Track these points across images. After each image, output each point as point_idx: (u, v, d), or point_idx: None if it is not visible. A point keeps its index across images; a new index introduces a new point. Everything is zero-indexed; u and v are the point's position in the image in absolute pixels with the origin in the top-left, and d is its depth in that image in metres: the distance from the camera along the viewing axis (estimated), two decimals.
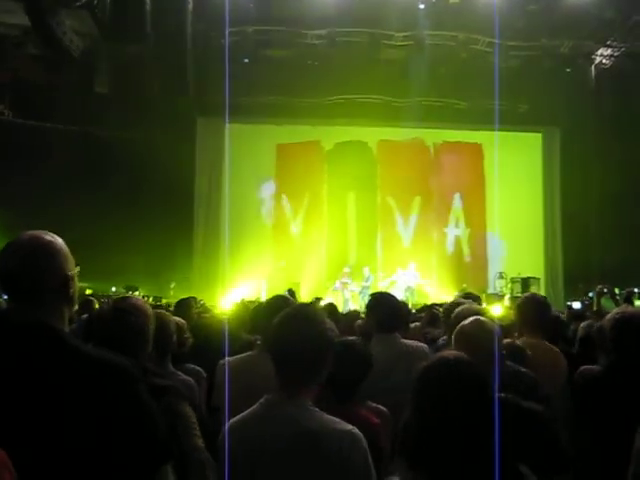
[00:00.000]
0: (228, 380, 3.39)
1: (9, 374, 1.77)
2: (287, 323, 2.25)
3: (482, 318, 2.74)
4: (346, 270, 17.41)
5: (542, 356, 3.78)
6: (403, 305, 4.53)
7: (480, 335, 2.60)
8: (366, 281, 17.11)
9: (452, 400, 1.84)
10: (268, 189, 19.16)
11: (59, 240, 1.96)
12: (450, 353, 2.01)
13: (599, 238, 17.44)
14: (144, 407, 1.85)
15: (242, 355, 3.57)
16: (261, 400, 2.24)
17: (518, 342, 3.79)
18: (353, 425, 2.15)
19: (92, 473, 1.74)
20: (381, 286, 16.58)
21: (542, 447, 2.30)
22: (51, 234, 1.96)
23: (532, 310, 4.10)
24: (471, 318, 2.75)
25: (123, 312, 2.67)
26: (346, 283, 17.03)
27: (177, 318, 4.12)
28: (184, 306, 6.07)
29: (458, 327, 2.70)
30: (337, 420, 2.15)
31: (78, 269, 2.00)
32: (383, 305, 4.31)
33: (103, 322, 2.69)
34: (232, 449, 2.17)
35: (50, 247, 1.91)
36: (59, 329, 1.87)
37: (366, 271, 17.48)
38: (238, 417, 2.26)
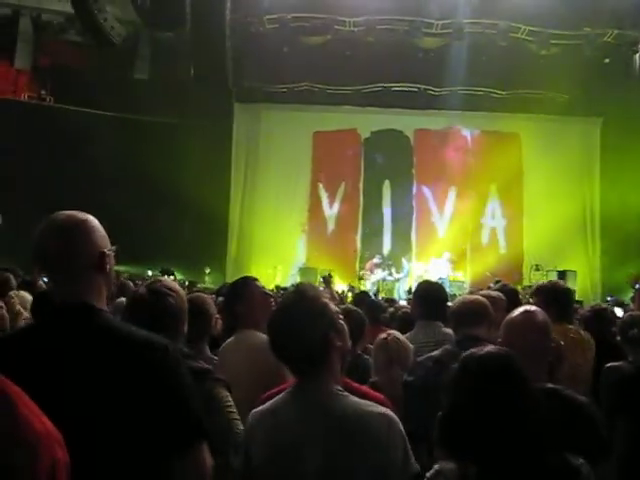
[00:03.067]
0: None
1: (51, 355, 1.81)
2: (277, 319, 2.18)
3: (532, 309, 2.67)
4: (377, 260, 17.33)
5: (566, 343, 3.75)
6: (445, 295, 4.50)
7: (528, 327, 2.54)
8: (402, 271, 17.03)
9: (491, 392, 1.83)
10: (304, 177, 19.15)
11: (94, 219, 1.99)
12: (484, 347, 1.99)
13: (639, 233, 17.11)
14: (182, 385, 1.86)
15: (240, 334, 3.56)
16: (287, 389, 2.19)
17: None
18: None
19: (128, 448, 1.77)
20: (415, 276, 16.52)
21: (586, 435, 2.29)
22: (85, 213, 1.99)
23: (554, 296, 4.05)
24: (521, 309, 2.67)
25: (159, 294, 2.67)
26: (368, 273, 16.94)
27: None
28: None
29: (507, 318, 2.66)
30: (369, 403, 2.11)
31: (115, 248, 2.02)
32: (425, 291, 4.34)
33: (139, 304, 2.68)
34: (262, 442, 2.12)
35: (85, 225, 1.94)
36: (98, 308, 1.91)
37: (404, 262, 17.41)
38: (264, 407, 2.20)
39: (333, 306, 2.22)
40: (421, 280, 4.79)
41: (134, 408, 1.77)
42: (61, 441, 1.38)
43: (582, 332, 4.11)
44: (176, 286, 2.81)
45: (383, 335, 3.66)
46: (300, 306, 2.15)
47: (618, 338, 4.62)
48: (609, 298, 11.38)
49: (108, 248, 1.98)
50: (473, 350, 2.01)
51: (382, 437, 2.01)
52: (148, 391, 1.79)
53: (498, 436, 1.80)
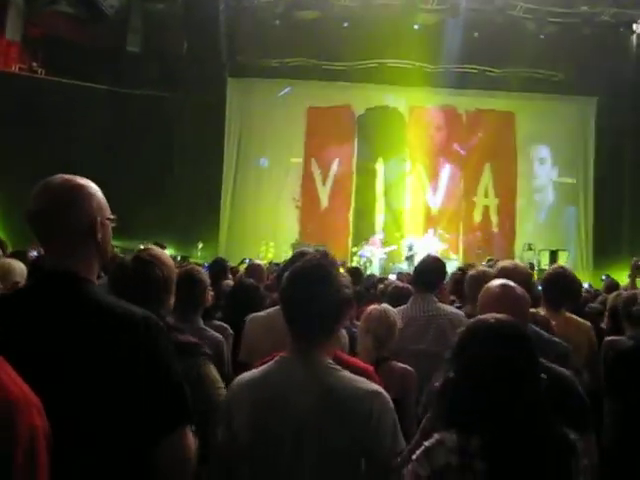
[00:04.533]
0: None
1: (33, 323, 1.77)
2: (298, 279, 2.14)
3: (510, 283, 2.66)
4: (379, 237, 17.30)
5: (565, 329, 3.77)
6: (445, 269, 4.52)
7: (504, 299, 2.54)
8: (410, 250, 16.92)
9: (499, 360, 1.81)
10: (297, 152, 19.06)
11: (93, 185, 1.92)
12: (492, 315, 1.97)
13: (632, 213, 17.17)
14: (164, 362, 1.80)
15: (268, 310, 3.55)
16: (276, 358, 2.15)
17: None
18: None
19: (108, 425, 1.72)
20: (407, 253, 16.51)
21: (569, 407, 2.29)
22: (85, 179, 1.92)
23: (555, 284, 4.07)
24: (498, 281, 2.68)
25: (144, 262, 2.58)
26: (373, 249, 16.89)
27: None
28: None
29: (484, 289, 2.66)
30: (360, 379, 2.09)
31: (114, 218, 1.96)
32: (423, 264, 4.37)
33: (123, 273, 2.58)
34: (246, 406, 2.08)
35: (81, 189, 1.87)
36: (82, 277, 1.85)
37: (410, 241, 17.33)
38: (248, 374, 2.17)
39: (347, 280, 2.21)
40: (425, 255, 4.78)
41: (113, 384, 1.72)
42: (40, 408, 1.36)
43: (579, 318, 4.13)
44: (163, 255, 2.70)
45: (372, 306, 3.67)
46: (324, 272, 2.13)
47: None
48: (604, 277, 11.41)
49: (103, 217, 1.90)
50: (481, 317, 1.98)
51: (371, 415, 1.99)
52: (128, 367, 1.74)
53: (508, 405, 1.79)
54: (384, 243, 17.12)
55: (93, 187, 1.91)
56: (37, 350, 1.72)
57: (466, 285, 3.95)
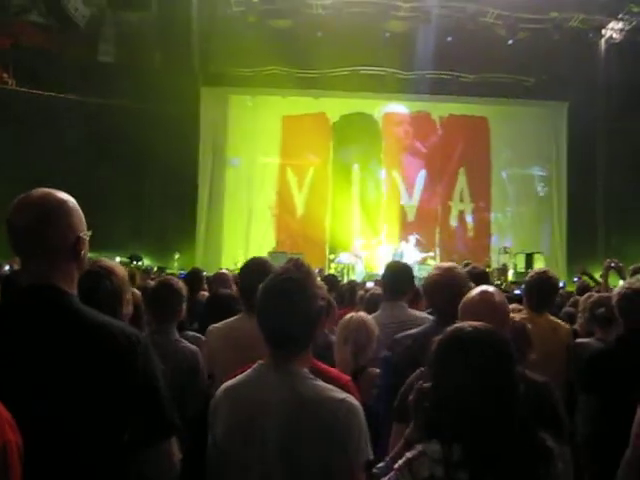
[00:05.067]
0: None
1: (14, 336, 1.76)
2: (272, 291, 2.16)
3: (490, 289, 2.67)
4: (358, 243, 17.30)
5: (547, 332, 3.80)
6: (413, 274, 4.51)
7: (484, 307, 2.53)
8: (400, 257, 16.90)
9: (479, 368, 1.80)
10: (273, 161, 19.05)
11: (72, 200, 1.91)
12: (469, 323, 1.96)
13: (605, 215, 17.40)
14: (149, 376, 1.82)
15: (228, 320, 3.50)
16: (254, 366, 2.19)
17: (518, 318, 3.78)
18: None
19: (93, 439, 1.73)
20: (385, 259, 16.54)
21: (546, 416, 2.31)
22: (64, 193, 1.90)
23: (540, 287, 4.11)
24: (478, 289, 2.67)
25: (94, 275, 2.57)
26: (359, 256, 16.91)
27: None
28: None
29: (465, 298, 2.66)
30: (331, 387, 2.11)
31: (89, 233, 1.95)
32: (390, 271, 4.36)
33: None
34: (224, 415, 2.14)
35: (64, 205, 1.86)
36: (65, 291, 1.84)
37: (412, 241, 17.39)
38: (230, 382, 2.22)
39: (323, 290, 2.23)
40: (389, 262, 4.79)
41: (98, 398, 1.73)
42: (12, 423, 1.34)
43: (559, 321, 4.18)
44: (115, 267, 2.71)
45: (349, 315, 3.66)
46: (297, 283, 2.15)
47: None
48: (576, 279, 11.53)
49: (84, 232, 1.90)
50: (458, 325, 1.97)
51: (338, 424, 2.02)
52: (114, 381, 1.75)
53: (488, 414, 1.78)
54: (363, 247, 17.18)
55: (72, 202, 1.90)
56: (22, 364, 1.72)
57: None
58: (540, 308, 4.03)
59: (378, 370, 3.49)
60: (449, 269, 3.42)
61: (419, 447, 1.85)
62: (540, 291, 4.08)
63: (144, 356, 1.82)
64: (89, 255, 2.01)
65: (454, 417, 1.80)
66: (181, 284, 3.85)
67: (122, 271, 2.73)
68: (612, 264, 5.59)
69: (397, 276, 4.29)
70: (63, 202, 1.86)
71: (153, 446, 1.82)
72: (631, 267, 5.59)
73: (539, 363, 2.85)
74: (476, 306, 2.55)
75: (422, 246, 17.52)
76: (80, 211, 1.91)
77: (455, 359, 1.84)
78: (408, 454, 1.87)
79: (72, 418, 1.71)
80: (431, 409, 1.87)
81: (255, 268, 3.39)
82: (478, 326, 1.92)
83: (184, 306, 3.78)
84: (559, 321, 4.19)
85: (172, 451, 1.87)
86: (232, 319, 3.46)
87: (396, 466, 1.87)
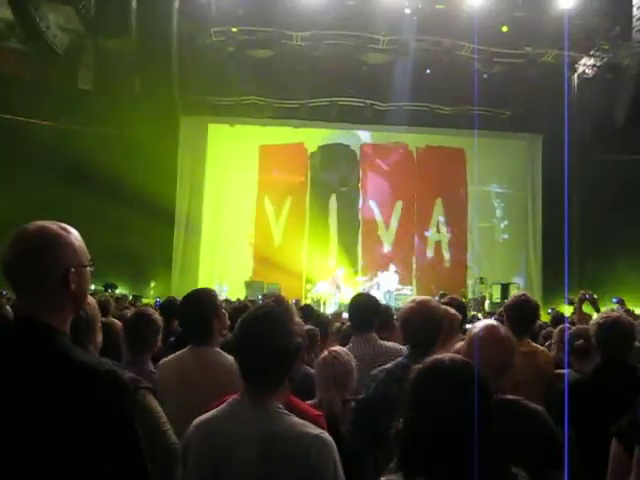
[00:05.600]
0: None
1: None
2: (250, 326, 2.18)
3: (495, 323, 2.67)
4: (339, 272, 17.30)
5: (525, 358, 3.81)
6: (381, 306, 4.51)
7: (491, 341, 2.53)
8: (377, 288, 16.84)
9: (450, 403, 1.79)
10: (251, 190, 19.05)
11: (71, 232, 1.88)
12: (445, 355, 1.97)
13: (580, 246, 17.59)
14: (125, 424, 1.77)
15: (174, 355, 3.46)
16: (229, 400, 2.19)
17: None
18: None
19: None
20: (363, 290, 16.54)
21: (544, 443, 2.32)
22: (64, 226, 1.88)
23: (521, 311, 4.12)
24: (482, 323, 2.67)
25: None
26: (339, 286, 16.85)
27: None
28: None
29: (469, 333, 2.65)
30: (305, 423, 2.11)
31: (92, 264, 1.91)
32: (356, 305, 4.35)
33: None
34: (197, 450, 2.14)
35: (55, 238, 1.82)
36: (50, 327, 1.79)
37: (391, 271, 17.42)
38: (203, 417, 2.21)
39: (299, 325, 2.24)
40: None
41: (73, 441, 1.67)
42: None
43: (540, 347, 4.19)
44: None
45: (325, 353, 3.63)
46: (275, 320, 2.18)
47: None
48: (550, 310, 11.63)
49: (78, 265, 1.85)
50: (439, 357, 1.96)
51: (310, 459, 2.02)
52: (89, 425, 1.69)
53: (458, 445, 1.78)
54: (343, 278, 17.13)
55: (70, 235, 1.87)
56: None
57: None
58: (521, 332, 4.05)
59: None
60: (424, 302, 3.43)
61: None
62: (521, 315, 4.10)
63: (130, 404, 1.81)
64: None
65: (425, 446, 1.79)
66: (157, 315, 3.82)
67: (93, 300, 2.71)
68: (586, 296, 5.65)
69: (362, 309, 4.28)
70: (55, 235, 1.83)
71: None
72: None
73: (518, 388, 2.84)
74: (484, 340, 2.54)
75: (399, 276, 17.57)
76: (75, 243, 1.86)
77: (432, 389, 1.84)
78: None
79: (48, 459, 1.66)
80: (404, 439, 1.86)
81: (192, 301, 3.43)
82: (456, 358, 1.93)
83: (159, 337, 3.75)
84: (539, 346, 4.21)
85: None
86: (179, 352, 3.44)
87: None
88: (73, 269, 1.83)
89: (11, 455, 1.64)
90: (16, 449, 1.64)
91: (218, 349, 3.28)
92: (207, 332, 3.32)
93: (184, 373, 3.24)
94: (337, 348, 3.75)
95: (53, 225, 1.85)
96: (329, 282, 16.85)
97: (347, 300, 16.39)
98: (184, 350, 3.40)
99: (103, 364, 1.80)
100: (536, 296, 17.79)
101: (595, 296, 5.71)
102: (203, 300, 3.40)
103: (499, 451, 1.83)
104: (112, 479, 1.73)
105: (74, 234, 1.88)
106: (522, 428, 2.01)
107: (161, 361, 3.51)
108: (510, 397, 2.46)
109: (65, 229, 1.87)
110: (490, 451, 1.80)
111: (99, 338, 2.70)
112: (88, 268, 1.90)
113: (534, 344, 4.20)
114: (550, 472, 2.30)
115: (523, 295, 4.35)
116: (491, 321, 2.74)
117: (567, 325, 4.99)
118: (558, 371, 4.09)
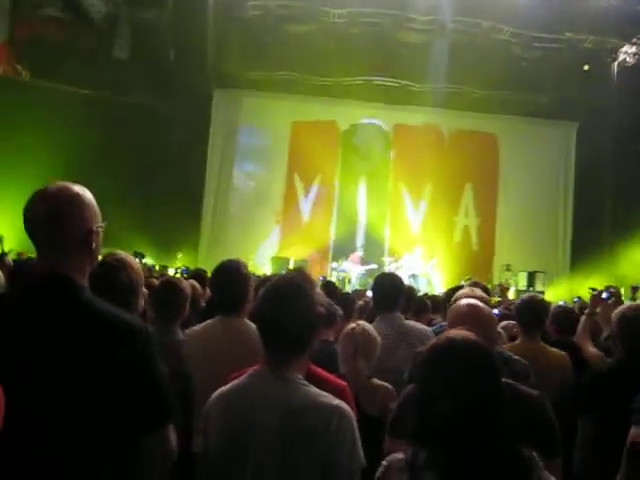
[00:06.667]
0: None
1: (25, 323, 1.83)
2: (272, 295, 2.19)
3: (476, 301, 2.69)
4: (359, 254, 17.31)
5: (539, 360, 3.78)
6: (406, 286, 4.52)
7: (475, 316, 2.56)
8: (419, 264, 16.83)
9: (462, 380, 1.82)
10: (281, 166, 19.04)
11: (88, 193, 1.98)
12: (457, 333, 1.97)
13: (611, 237, 17.37)
14: (156, 369, 1.90)
15: (205, 323, 3.50)
16: (249, 371, 2.21)
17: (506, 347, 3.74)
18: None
19: (94, 423, 1.81)
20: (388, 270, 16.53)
21: (538, 430, 2.31)
22: (80, 186, 1.97)
23: (530, 313, 4.09)
24: (465, 300, 2.70)
25: (111, 267, 2.62)
26: (351, 265, 16.86)
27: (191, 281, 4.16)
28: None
29: (451, 308, 2.67)
30: (324, 394, 2.12)
31: (104, 224, 2.02)
32: (380, 284, 4.36)
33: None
34: (217, 420, 2.17)
35: (77, 199, 1.93)
36: (76, 283, 1.91)
37: (417, 253, 17.34)
38: (224, 388, 2.23)
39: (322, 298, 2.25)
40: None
41: (106, 387, 1.80)
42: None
43: (553, 350, 4.14)
44: (130, 259, 2.74)
45: (351, 325, 3.65)
46: (297, 289, 2.18)
47: None
48: (576, 300, 11.50)
49: (97, 225, 1.97)
50: (444, 337, 1.98)
51: (329, 430, 2.03)
52: (122, 372, 1.82)
53: (466, 426, 1.79)
54: (364, 260, 17.10)
55: (88, 196, 1.97)
56: (34, 351, 1.80)
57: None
58: (531, 334, 4.03)
59: (380, 382, 3.49)
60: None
61: (384, 462, 1.90)
62: (530, 316, 4.07)
63: (145, 346, 1.89)
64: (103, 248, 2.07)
65: (435, 424, 1.81)
66: (185, 284, 3.87)
67: (138, 265, 2.77)
68: (603, 295, 5.33)
69: (387, 288, 4.31)
70: (76, 195, 1.93)
71: (151, 433, 1.90)
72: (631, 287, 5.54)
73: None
74: (465, 316, 2.57)
75: (425, 259, 17.51)
76: (94, 204, 1.97)
77: (443, 367, 1.87)
78: (377, 473, 1.91)
79: (72, 404, 1.78)
80: (416, 412, 1.87)
81: (228, 270, 3.44)
82: (468, 337, 1.94)
83: (187, 305, 3.79)
84: (551, 349, 4.14)
85: (169, 437, 1.95)
86: (208, 322, 3.47)
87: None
88: (94, 227, 1.95)
89: (43, 393, 1.77)
90: (47, 389, 1.77)
91: (246, 320, 3.29)
92: (240, 302, 3.35)
93: (213, 343, 3.26)
94: (364, 323, 3.78)
95: (73, 186, 1.95)
96: (350, 262, 16.87)
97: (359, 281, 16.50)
98: (213, 320, 3.43)
99: (124, 313, 1.93)
100: (562, 285, 17.86)
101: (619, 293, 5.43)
102: (239, 270, 3.42)
103: (510, 430, 1.83)
104: (135, 418, 1.86)
105: (89, 194, 1.99)
106: (513, 412, 2.00)
107: (188, 330, 3.55)
108: (504, 380, 2.43)
109: (82, 189, 1.97)
110: (503, 431, 1.81)
111: (142, 303, 2.77)
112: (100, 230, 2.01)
113: (547, 346, 4.12)
114: (544, 460, 2.29)
115: (532, 296, 4.32)
116: (472, 299, 2.75)
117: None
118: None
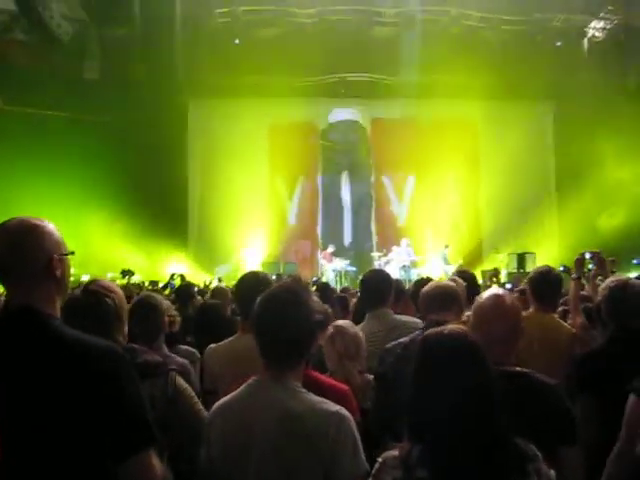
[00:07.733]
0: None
1: None
2: (270, 304, 2.20)
3: (501, 292, 2.62)
4: (331, 249, 17.33)
5: (548, 331, 3.78)
6: (393, 280, 4.48)
7: (497, 311, 2.49)
8: (408, 256, 16.86)
9: (451, 373, 1.83)
10: (262, 170, 18.99)
11: (48, 224, 1.99)
12: (446, 327, 1.98)
13: (594, 214, 17.43)
14: (127, 391, 1.85)
15: (227, 340, 3.49)
16: (248, 381, 2.21)
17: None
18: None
19: (72, 453, 1.78)
20: (378, 265, 16.54)
21: (555, 419, 2.31)
22: (41, 219, 1.99)
23: (545, 285, 4.08)
24: (489, 293, 2.62)
25: (93, 294, 2.61)
26: (324, 262, 16.90)
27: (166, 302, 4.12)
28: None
29: (476, 302, 2.62)
30: (324, 400, 2.12)
31: (71, 253, 2.02)
32: (368, 281, 4.34)
33: (75, 306, 2.57)
34: (219, 428, 2.17)
35: (37, 229, 1.95)
36: (43, 312, 1.90)
37: (404, 245, 17.26)
38: (225, 399, 2.24)
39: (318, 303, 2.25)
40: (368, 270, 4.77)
41: (79, 415, 1.78)
42: None
43: (564, 323, 4.13)
44: (113, 285, 2.76)
45: (330, 331, 3.62)
46: (295, 297, 2.19)
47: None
48: (561, 268, 11.54)
49: (60, 253, 1.97)
50: (432, 330, 1.99)
51: (329, 437, 2.03)
52: (94, 398, 1.79)
53: (455, 418, 1.80)
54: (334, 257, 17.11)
55: (49, 226, 1.99)
56: (3, 384, 1.79)
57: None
58: (546, 306, 4.01)
59: (371, 377, 3.49)
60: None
61: (379, 459, 1.92)
62: (544, 289, 4.06)
63: (116, 370, 1.85)
64: (81, 272, 2.06)
65: (426, 417, 1.83)
66: (158, 298, 3.79)
67: (120, 290, 2.75)
68: (586, 255, 5.21)
69: (374, 284, 4.25)
70: (36, 226, 1.95)
71: (127, 460, 1.82)
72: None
73: (535, 363, 2.81)
74: (489, 310, 2.51)
75: (413, 250, 17.51)
76: (56, 234, 1.99)
77: (426, 363, 1.89)
78: (372, 470, 1.92)
79: (43, 436, 1.77)
80: (410, 409, 1.88)
81: (252, 281, 3.41)
82: (454, 330, 1.96)
83: (165, 319, 3.74)
84: (563, 323, 4.13)
85: (151, 463, 1.86)
86: (230, 339, 3.48)
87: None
88: (56, 256, 1.95)
89: (18, 427, 1.76)
90: (23, 422, 1.77)
91: None
92: None
93: (236, 359, 3.20)
94: (341, 322, 3.76)
95: (32, 218, 1.98)
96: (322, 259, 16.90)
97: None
98: (235, 337, 3.43)
99: (95, 339, 1.91)
100: (554, 264, 17.92)
101: (603, 256, 5.32)
102: (263, 281, 3.34)
103: (503, 422, 1.84)
104: (114, 444, 1.81)
105: (51, 225, 2.01)
106: (529, 402, 1.99)
107: (210, 347, 3.54)
108: (518, 369, 2.41)
109: (42, 221, 1.99)
110: (492, 421, 1.82)
111: (126, 328, 2.71)
112: (68, 258, 2.02)
113: (559, 320, 4.11)
114: (562, 449, 2.28)
115: (546, 267, 4.29)
116: (497, 290, 2.69)
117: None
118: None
